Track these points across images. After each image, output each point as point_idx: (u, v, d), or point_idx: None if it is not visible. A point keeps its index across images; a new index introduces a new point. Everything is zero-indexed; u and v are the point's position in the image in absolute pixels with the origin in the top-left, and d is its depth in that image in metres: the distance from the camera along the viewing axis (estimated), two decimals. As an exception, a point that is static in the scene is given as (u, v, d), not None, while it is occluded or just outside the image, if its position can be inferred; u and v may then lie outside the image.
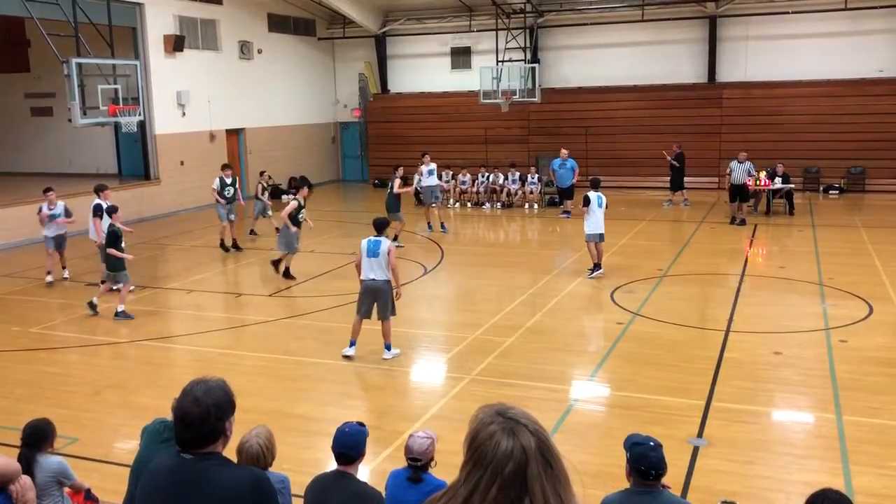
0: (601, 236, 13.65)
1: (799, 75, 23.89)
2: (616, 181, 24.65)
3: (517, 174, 22.91)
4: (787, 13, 23.59)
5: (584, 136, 25.62)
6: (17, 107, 26.48)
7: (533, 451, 1.82)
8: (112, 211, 12.15)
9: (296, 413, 8.13)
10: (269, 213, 18.27)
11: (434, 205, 19.08)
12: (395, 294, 9.59)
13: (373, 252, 9.40)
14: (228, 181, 16.50)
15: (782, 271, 14.04)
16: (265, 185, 18.65)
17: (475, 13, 26.73)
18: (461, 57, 27.86)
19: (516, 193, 22.74)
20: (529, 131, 26.90)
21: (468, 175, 23.40)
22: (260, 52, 25.73)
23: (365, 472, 5.93)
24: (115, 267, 11.80)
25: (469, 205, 23.16)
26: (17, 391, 9.10)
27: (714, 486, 6.33)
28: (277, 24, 26.73)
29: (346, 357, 9.64)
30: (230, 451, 3.08)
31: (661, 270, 14.15)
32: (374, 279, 9.42)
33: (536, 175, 22.77)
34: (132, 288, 13.34)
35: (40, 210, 14.01)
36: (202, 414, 2.84)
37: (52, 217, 13.82)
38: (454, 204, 23.23)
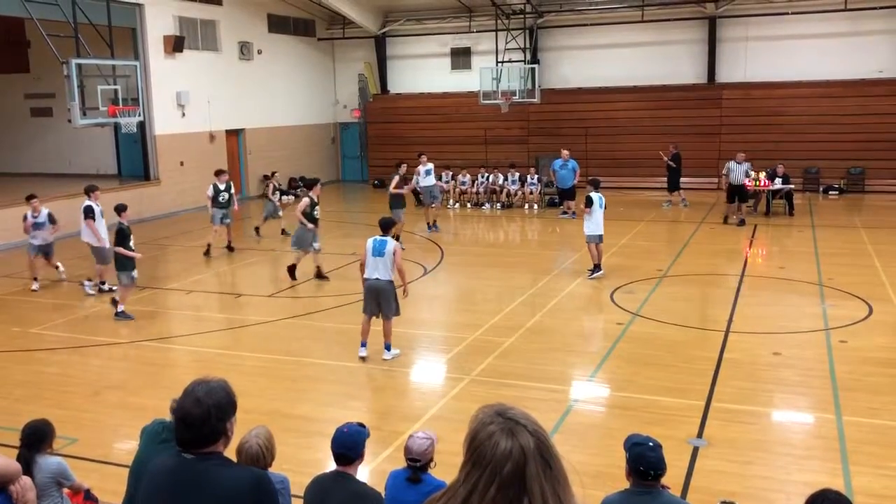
0: (601, 237, 13.67)
1: (799, 76, 23.90)
2: (616, 182, 24.62)
3: (517, 175, 22.91)
4: (787, 14, 23.60)
5: (584, 136, 25.63)
6: (17, 107, 26.48)
7: (532, 451, 1.82)
8: (121, 209, 12.07)
9: (296, 413, 8.13)
10: (280, 213, 18.21)
11: (434, 205, 19.09)
12: (403, 292, 9.61)
13: (378, 251, 9.41)
14: (222, 187, 16.21)
15: (782, 272, 14.04)
16: (276, 185, 18.55)
17: (475, 14, 26.73)
18: (461, 57, 27.86)
19: (516, 194, 22.74)
20: (529, 132, 26.90)
21: (468, 175, 23.40)
22: (260, 52, 25.74)
23: (364, 472, 5.93)
24: (122, 266, 11.72)
25: (469, 205, 23.16)
26: (17, 392, 9.10)
27: (714, 487, 6.33)
28: (277, 24, 26.73)
29: (362, 358, 9.64)
30: (230, 452, 3.08)
31: (661, 271, 14.15)
32: (377, 279, 9.43)
33: (536, 176, 22.78)
34: (115, 287, 13.37)
35: (25, 218, 13.60)
36: (203, 414, 2.84)
37: (37, 225, 13.45)
38: (454, 204, 23.23)
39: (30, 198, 13.72)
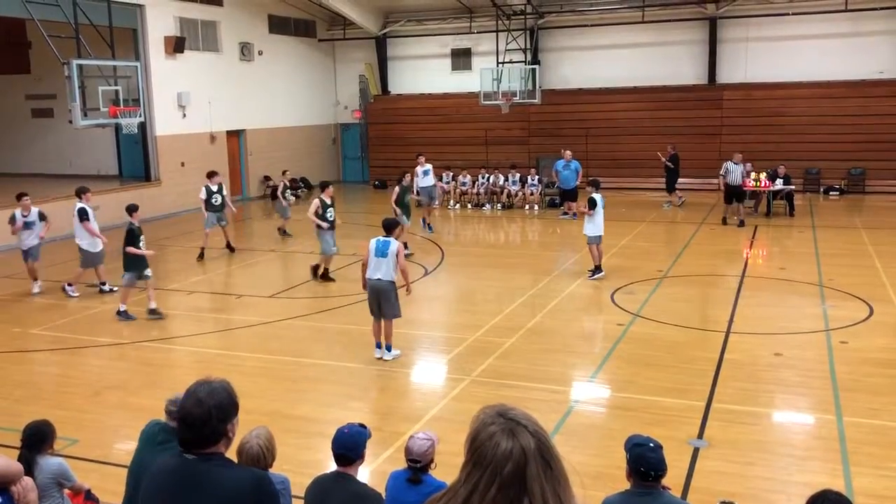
0: (601, 238, 13.67)
1: (799, 76, 23.90)
2: (616, 182, 24.65)
3: (517, 175, 22.92)
4: (788, 14, 23.60)
5: (585, 137, 25.63)
6: (18, 108, 26.50)
7: (532, 451, 1.83)
8: (132, 210, 12.05)
9: (296, 414, 8.13)
10: (289, 214, 18.15)
11: (432, 206, 19.09)
12: (406, 291, 9.63)
13: (381, 252, 9.42)
14: (214, 188, 16.05)
15: (782, 272, 14.04)
16: (287, 184, 18.47)
17: (475, 15, 26.73)
18: (461, 58, 27.88)
19: (516, 195, 22.75)
20: (530, 133, 26.91)
21: (468, 176, 23.41)
22: (260, 53, 25.75)
23: (365, 473, 5.94)
24: (129, 267, 11.66)
25: (469, 206, 23.16)
26: (17, 392, 9.10)
27: (714, 488, 6.33)
28: (278, 25, 26.74)
29: (379, 359, 9.65)
30: (230, 452, 3.08)
31: (662, 272, 14.15)
32: (379, 279, 9.44)
33: (537, 176, 22.79)
34: (116, 288, 13.34)
35: (13, 219, 13.22)
36: (204, 415, 2.84)
37: (28, 225, 13.19)
38: (454, 205, 23.23)
39: (20, 196, 13.42)
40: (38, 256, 13.52)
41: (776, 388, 8.66)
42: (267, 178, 26.36)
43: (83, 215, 13.13)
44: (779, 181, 19.89)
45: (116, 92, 16.21)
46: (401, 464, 4.79)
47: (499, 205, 22.71)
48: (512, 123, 26.40)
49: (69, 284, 13.27)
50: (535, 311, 11.83)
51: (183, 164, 22.60)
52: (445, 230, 19.73)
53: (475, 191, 23.26)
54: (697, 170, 23.54)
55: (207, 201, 15.99)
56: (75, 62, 15.10)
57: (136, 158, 23.41)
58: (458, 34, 27.68)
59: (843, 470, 6.63)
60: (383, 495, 4.51)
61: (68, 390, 9.18)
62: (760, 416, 7.98)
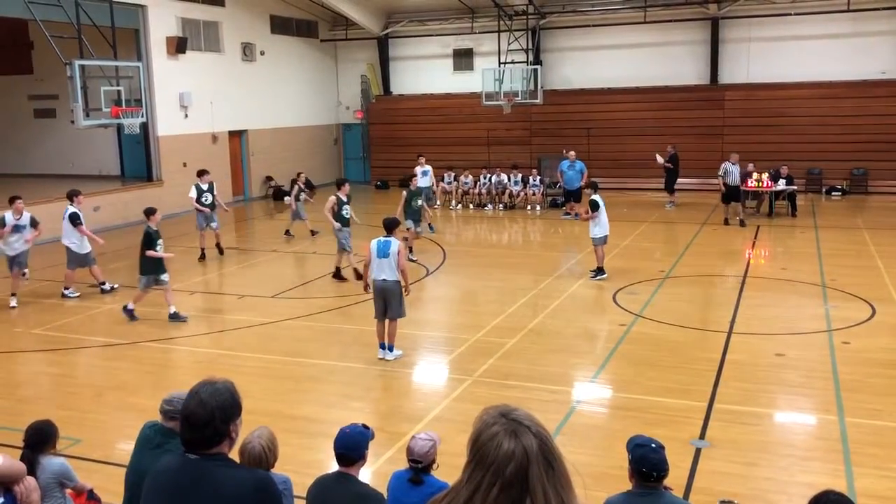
0: (606, 238, 13.68)
1: (801, 77, 23.88)
2: (618, 183, 24.66)
3: (519, 176, 22.92)
4: (790, 15, 23.58)
5: (587, 137, 25.62)
6: (20, 108, 26.54)
7: (535, 452, 1.83)
8: (150, 213, 12.01)
9: (298, 414, 8.13)
10: (305, 216, 18.14)
11: (433, 206, 19.11)
12: (404, 291, 9.61)
13: (383, 252, 9.43)
14: (205, 187, 15.85)
15: (784, 273, 14.03)
16: (301, 186, 18.41)
17: (477, 15, 26.73)
18: (463, 59, 27.88)
19: (518, 195, 22.74)
20: (532, 133, 26.91)
21: (470, 176, 23.41)
22: (262, 53, 25.77)
23: (367, 473, 5.94)
24: (145, 269, 11.60)
25: (471, 206, 23.17)
26: (19, 392, 9.12)
27: (716, 488, 6.33)
28: (280, 25, 26.76)
29: (381, 359, 9.65)
30: (233, 453, 3.08)
31: (664, 272, 14.15)
32: (384, 279, 9.44)
33: (539, 177, 22.79)
34: (116, 286, 13.32)
35: (2, 223, 12.58)
36: (207, 416, 2.84)
37: (17, 229, 12.60)
38: (456, 206, 23.23)
39: (13, 199, 12.84)
40: (26, 264, 12.93)
41: (778, 388, 8.66)
42: (269, 179, 26.38)
43: (75, 220, 13.07)
44: (781, 181, 19.89)
45: (118, 92, 16.24)
46: (402, 464, 4.79)
47: (501, 205, 22.71)
48: (514, 124, 26.40)
49: (66, 288, 13.27)
50: (537, 311, 11.83)
51: (185, 165, 22.59)
52: (447, 230, 19.73)
53: (477, 191, 23.27)
54: (699, 170, 23.51)
55: (198, 200, 15.80)
56: (77, 63, 15.13)
57: (138, 159, 23.44)
58: (459, 34, 27.68)
59: (845, 470, 6.63)
60: (385, 496, 4.51)
61: (70, 390, 9.19)
62: (762, 416, 7.98)
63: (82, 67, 15.29)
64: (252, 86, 25.22)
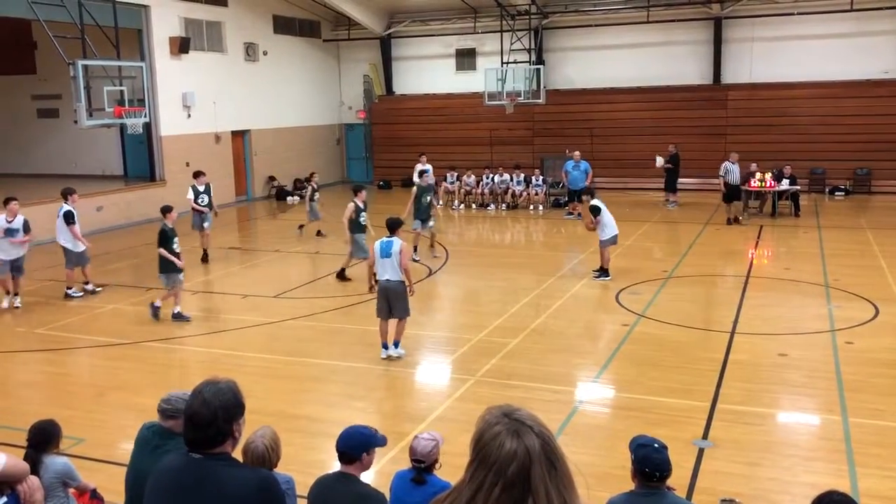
0: (616, 238, 13.66)
1: (804, 76, 23.84)
2: (621, 183, 24.64)
3: (522, 175, 22.91)
4: (793, 14, 23.54)
5: (589, 137, 25.59)
6: (24, 108, 26.58)
7: (537, 452, 1.83)
8: (166, 211, 11.99)
9: (301, 414, 8.14)
10: (321, 216, 18.15)
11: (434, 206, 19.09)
12: (409, 291, 9.61)
13: (385, 252, 9.44)
14: (201, 189, 15.84)
15: (788, 273, 14.01)
16: (315, 186, 18.41)
17: (480, 15, 26.73)
18: (466, 58, 27.88)
19: (521, 195, 22.74)
20: (534, 133, 26.89)
21: (472, 176, 23.41)
22: (265, 53, 25.79)
23: (369, 472, 5.92)
24: (164, 268, 11.60)
25: (474, 206, 23.16)
26: (23, 392, 9.13)
27: (719, 488, 6.32)
28: (282, 25, 26.78)
29: (384, 359, 9.65)
30: (236, 452, 3.09)
31: (667, 272, 14.14)
32: (388, 279, 9.46)
33: (541, 177, 22.77)
34: (100, 289, 13.30)
35: None
36: (210, 415, 2.85)
37: (10, 232, 12.37)
38: (459, 205, 23.23)
39: (8, 201, 12.58)
40: (22, 269, 12.75)
41: (781, 388, 8.65)
42: (272, 179, 26.39)
43: (69, 218, 13.03)
44: (785, 181, 19.88)
45: (121, 92, 16.24)
46: (405, 464, 4.78)
47: (503, 205, 22.70)
48: (516, 123, 26.39)
49: (69, 288, 13.29)
50: (540, 311, 11.83)
51: (188, 165, 22.58)
52: (450, 230, 19.72)
53: (479, 191, 23.26)
54: (702, 170, 23.48)
55: (195, 202, 15.76)
56: (81, 63, 15.14)
57: (141, 158, 23.47)
58: (462, 34, 27.68)
59: (849, 471, 6.62)
60: (387, 495, 4.50)
61: (74, 390, 9.20)
62: (765, 416, 7.96)
63: (85, 67, 15.30)
64: (255, 86, 25.24)
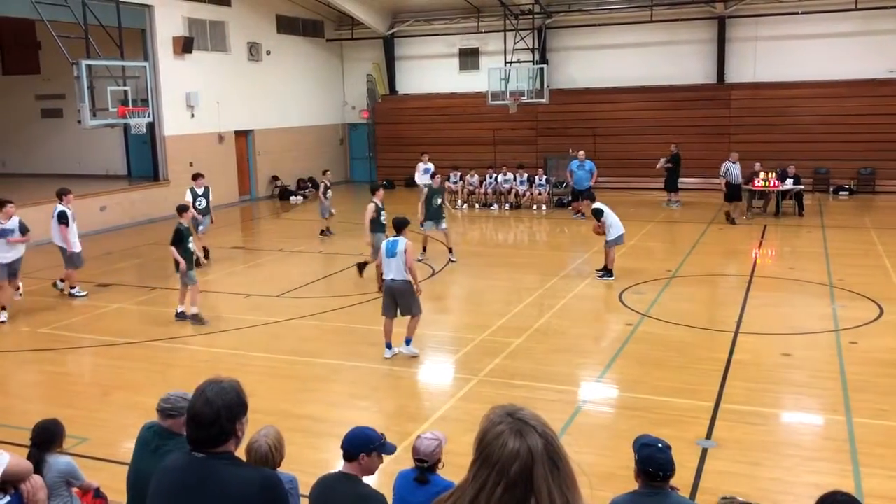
0: (622, 237, 13.65)
1: (808, 76, 23.79)
2: (624, 182, 24.61)
3: (525, 175, 22.90)
4: (797, 13, 23.50)
5: (593, 136, 25.57)
6: (28, 108, 26.63)
7: (540, 452, 1.83)
8: (182, 210, 11.98)
9: (304, 414, 8.14)
10: (333, 211, 18.16)
11: None
12: (415, 290, 9.60)
13: (391, 252, 9.45)
14: (199, 191, 15.79)
15: (792, 272, 13.98)
16: (328, 183, 18.40)
17: (483, 14, 26.72)
18: (469, 58, 27.87)
19: (524, 195, 22.73)
20: (538, 132, 26.88)
21: (476, 176, 23.40)
22: (269, 53, 25.81)
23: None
24: (178, 267, 11.61)
25: (477, 206, 23.15)
26: (26, 391, 9.15)
27: (722, 488, 6.30)
28: (286, 25, 26.79)
29: (388, 358, 9.66)
30: (239, 452, 3.09)
31: (670, 272, 14.12)
32: (393, 279, 9.47)
33: (545, 176, 22.75)
34: (85, 293, 13.28)
35: None
36: (213, 415, 2.85)
37: (4, 232, 12.01)
38: (462, 205, 23.22)
39: (3, 203, 12.19)
40: (18, 273, 12.46)
41: (785, 388, 8.63)
42: (275, 178, 26.41)
43: (62, 219, 13.01)
44: (788, 181, 19.85)
45: (125, 92, 16.25)
46: (408, 463, 4.78)
47: (506, 205, 22.69)
48: (519, 123, 26.38)
49: (72, 287, 13.30)
50: (543, 311, 11.82)
51: (191, 164, 22.60)
52: (453, 230, 19.67)
53: (483, 190, 23.26)
54: (705, 170, 23.43)
55: (193, 205, 15.46)
56: (84, 62, 15.15)
57: (145, 158, 23.50)
58: (465, 34, 27.67)
59: (853, 471, 6.60)
60: (390, 495, 4.50)
61: (77, 389, 9.22)
62: (769, 416, 7.95)
63: (89, 67, 15.30)
64: (258, 85, 25.26)
